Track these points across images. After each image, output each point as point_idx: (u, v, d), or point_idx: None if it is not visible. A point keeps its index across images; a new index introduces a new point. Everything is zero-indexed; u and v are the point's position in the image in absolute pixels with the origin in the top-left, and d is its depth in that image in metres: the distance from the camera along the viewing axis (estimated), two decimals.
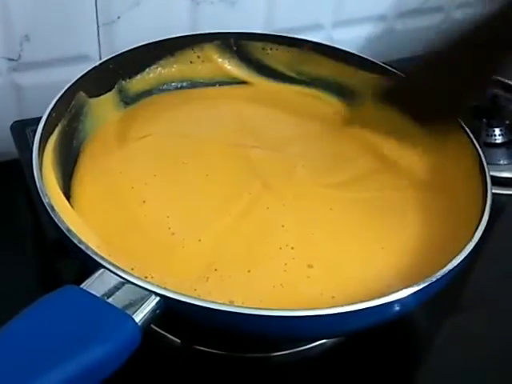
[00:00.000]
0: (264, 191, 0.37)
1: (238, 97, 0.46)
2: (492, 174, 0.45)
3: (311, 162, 0.40)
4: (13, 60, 0.47)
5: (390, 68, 0.45)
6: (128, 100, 0.44)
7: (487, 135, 0.49)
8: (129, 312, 0.26)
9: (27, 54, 0.47)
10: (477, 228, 0.32)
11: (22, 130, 0.46)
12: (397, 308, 0.30)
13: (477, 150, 0.38)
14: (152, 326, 0.33)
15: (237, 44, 0.46)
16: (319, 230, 0.35)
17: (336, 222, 0.36)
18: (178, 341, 0.36)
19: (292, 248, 0.34)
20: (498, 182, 0.46)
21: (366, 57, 0.46)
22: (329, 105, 0.46)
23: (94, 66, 0.41)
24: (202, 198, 0.36)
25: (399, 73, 0.44)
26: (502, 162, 0.48)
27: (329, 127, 0.43)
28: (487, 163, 0.46)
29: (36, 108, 0.43)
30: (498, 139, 0.49)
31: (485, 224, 0.33)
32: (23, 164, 0.43)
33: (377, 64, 0.45)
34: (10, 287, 0.38)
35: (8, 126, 0.46)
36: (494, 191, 0.44)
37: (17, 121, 0.47)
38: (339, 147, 0.42)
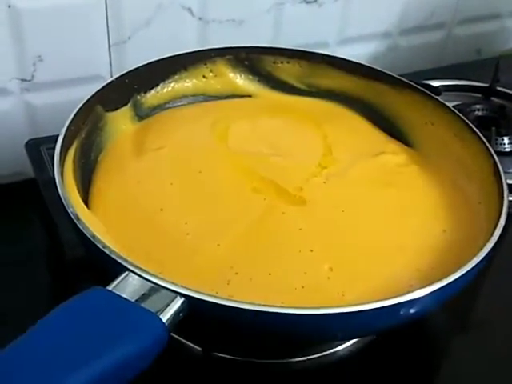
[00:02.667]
0: (279, 196, 0.38)
1: (250, 108, 0.47)
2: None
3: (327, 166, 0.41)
4: (26, 80, 0.48)
5: (400, 78, 0.46)
6: (143, 114, 0.45)
7: (496, 144, 0.50)
8: (156, 312, 0.27)
9: (40, 75, 0.48)
10: (494, 229, 0.33)
11: (37, 148, 0.47)
12: (417, 307, 0.30)
13: (493, 156, 0.39)
14: (173, 334, 0.35)
15: (248, 58, 0.48)
16: (337, 231, 0.36)
17: (353, 223, 0.37)
18: (200, 349, 0.36)
19: (311, 251, 0.34)
20: (508, 189, 0.47)
21: (375, 67, 0.47)
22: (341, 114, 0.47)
23: (110, 80, 0.42)
24: (219, 204, 0.37)
25: (408, 81, 0.45)
26: (511, 170, 0.49)
27: None
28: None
29: (49, 127, 0.44)
30: (508, 147, 0.50)
31: (502, 226, 0.33)
32: (39, 181, 0.44)
33: (387, 74, 0.47)
34: (25, 307, 0.38)
35: (21, 146, 0.47)
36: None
37: (31, 139, 0.47)
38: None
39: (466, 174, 0.40)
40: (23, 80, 0.48)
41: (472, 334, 0.40)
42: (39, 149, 0.46)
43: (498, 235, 0.33)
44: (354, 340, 0.38)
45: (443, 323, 0.40)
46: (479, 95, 0.57)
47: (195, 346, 0.36)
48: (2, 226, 0.45)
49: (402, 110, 0.45)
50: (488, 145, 0.39)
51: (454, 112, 0.42)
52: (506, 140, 0.50)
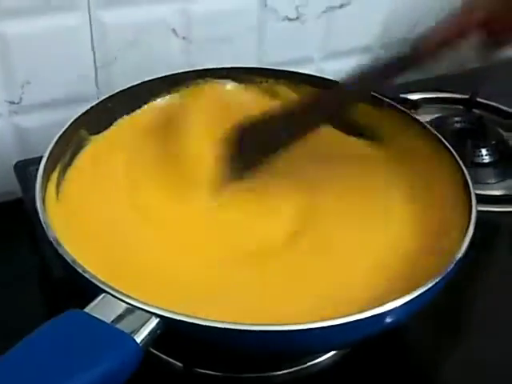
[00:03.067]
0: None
1: None
2: (482, 192, 0.48)
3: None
4: (14, 103, 0.49)
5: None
6: None
7: (474, 155, 0.50)
8: (130, 333, 0.28)
9: (28, 97, 0.49)
10: (464, 238, 0.34)
11: (25, 169, 0.48)
12: (389, 319, 0.31)
13: (462, 170, 0.39)
14: (154, 350, 0.36)
15: (229, 77, 0.49)
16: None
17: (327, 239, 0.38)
18: (180, 364, 0.37)
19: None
20: (488, 200, 0.48)
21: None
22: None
23: (92, 105, 0.43)
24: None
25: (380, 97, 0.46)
26: (490, 180, 0.50)
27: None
28: (476, 182, 0.48)
29: (38, 148, 0.45)
30: (486, 159, 0.51)
31: (469, 238, 0.34)
32: (26, 202, 0.45)
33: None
34: (16, 326, 0.39)
35: (11, 166, 0.48)
36: (485, 209, 0.47)
37: (20, 160, 0.49)
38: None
39: (436, 185, 0.41)
40: (11, 103, 0.49)
41: (456, 340, 0.41)
42: (27, 170, 0.47)
43: (466, 245, 0.34)
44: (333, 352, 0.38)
45: (426, 330, 0.41)
46: (460, 107, 0.58)
47: (176, 362, 0.37)
48: None
49: (375, 123, 0.46)
50: (458, 158, 0.40)
51: (425, 126, 0.43)
52: (483, 151, 0.51)
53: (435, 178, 0.41)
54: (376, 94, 0.46)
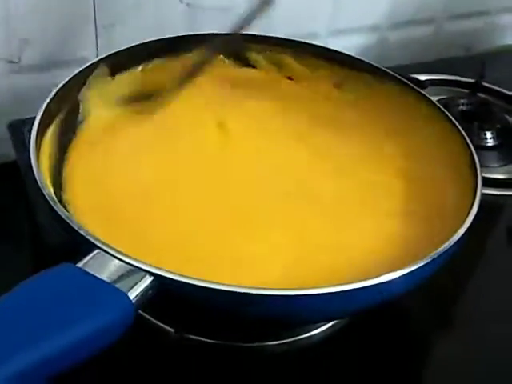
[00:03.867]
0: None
1: None
2: (484, 175, 0.47)
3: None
4: (13, 62, 0.48)
5: (383, 69, 0.46)
6: None
7: (479, 138, 0.50)
8: (123, 290, 0.27)
9: (27, 57, 0.48)
10: (465, 219, 0.33)
11: (20, 128, 0.47)
12: (386, 290, 0.30)
13: (470, 148, 0.39)
14: (145, 315, 0.35)
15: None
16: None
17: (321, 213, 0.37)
18: (172, 330, 0.36)
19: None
20: (491, 183, 0.47)
21: (356, 56, 0.48)
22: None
23: (90, 63, 0.43)
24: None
25: (392, 73, 0.45)
26: (493, 164, 0.50)
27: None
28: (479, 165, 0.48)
29: (36, 109, 0.44)
30: (490, 142, 0.50)
31: (472, 217, 0.34)
32: (20, 163, 0.44)
33: (370, 64, 0.47)
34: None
35: (5, 125, 0.47)
36: (487, 192, 0.46)
37: (15, 120, 0.47)
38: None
39: (442, 165, 0.41)
40: (11, 62, 0.48)
41: (453, 326, 0.40)
42: (22, 130, 0.46)
43: (469, 223, 0.33)
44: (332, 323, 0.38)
45: (423, 313, 0.40)
46: (465, 90, 0.57)
47: (168, 328, 0.36)
48: None
49: (382, 100, 0.45)
50: (466, 137, 0.39)
51: (434, 104, 0.43)
52: (488, 135, 0.50)
53: (439, 155, 0.40)
54: (387, 70, 0.45)
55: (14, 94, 0.49)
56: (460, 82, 0.57)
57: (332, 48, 0.50)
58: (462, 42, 0.68)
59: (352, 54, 0.49)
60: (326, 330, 0.37)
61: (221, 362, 0.35)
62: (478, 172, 0.37)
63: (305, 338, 0.37)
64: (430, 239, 0.34)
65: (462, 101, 0.52)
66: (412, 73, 0.54)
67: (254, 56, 0.49)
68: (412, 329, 0.40)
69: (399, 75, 0.45)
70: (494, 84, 0.57)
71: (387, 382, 0.36)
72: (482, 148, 0.49)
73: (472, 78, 0.58)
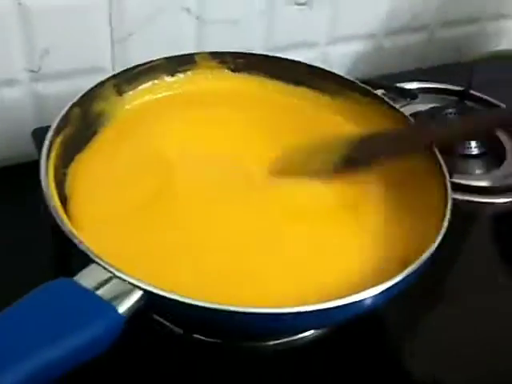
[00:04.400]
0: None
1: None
2: (469, 183, 0.46)
3: None
4: (33, 71, 0.48)
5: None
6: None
7: (464, 147, 0.48)
8: (114, 303, 0.27)
9: (47, 66, 0.48)
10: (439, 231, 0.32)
11: (43, 136, 0.46)
12: (367, 304, 0.30)
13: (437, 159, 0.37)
14: (156, 316, 0.35)
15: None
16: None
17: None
18: (181, 331, 0.36)
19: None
20: (476, 190, 0.46)
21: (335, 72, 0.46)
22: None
23: (107, 77, 0.42)
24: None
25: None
26: (478, 171, 0.48)
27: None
28: (464, 173, 0.46)
29: (55, 116, 0.43)
30: (474, 151, 0.49)
31: (444, 229, 0.33)
32: None
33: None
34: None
35: (30, 132, 0.47)
36: (472, 199, 0.45)
37: (38, 128, 0.47)
38: None
39: (409, 173, 0.39)
40: (31, 71, 0.48)
41: (443, 307, 0.40)
42: (45, 137, 0.46)
43: (441, 236, 0.32)
44: None
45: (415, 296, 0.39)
46: (455, 98, 0.55)
47: (177, 329, 0.36)
48: (12, 206, 0.45)
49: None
50: (435, 149, 0.37)
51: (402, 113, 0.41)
52: (472, 143, 0.48)
53: (412, 170, 0.39)
54: (366, 87, 0.43)
55: (35, 103, 0.49)
56: (449, 90, 0.55)
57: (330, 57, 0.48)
58: (454, 47, 0.66)
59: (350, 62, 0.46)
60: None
61: (225, 360, 0.35)
62: (448, 187, 0.35)
63: (301, 338, 0.36)
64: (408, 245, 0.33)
65: (449, 110, 0.50)
66: (404, 81, 0.52)
67: None
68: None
69: (385, 88, 0.43)
70: (483, 90, 0.55)
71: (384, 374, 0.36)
72: (467, 156, 0.47)
73: (462, 85, 0.56)
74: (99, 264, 0.28)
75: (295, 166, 0.39)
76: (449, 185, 0.35)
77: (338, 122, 0.44)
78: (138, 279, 0.27)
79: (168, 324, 0.36)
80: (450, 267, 0.43)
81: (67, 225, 0.30)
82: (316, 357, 0.36)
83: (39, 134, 0.46)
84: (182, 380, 0.34)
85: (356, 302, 0.29)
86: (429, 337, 0.38)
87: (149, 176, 0.38)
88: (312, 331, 0.36)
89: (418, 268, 0.30)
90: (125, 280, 0.27)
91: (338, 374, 0.35)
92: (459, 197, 0.43)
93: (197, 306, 0.27)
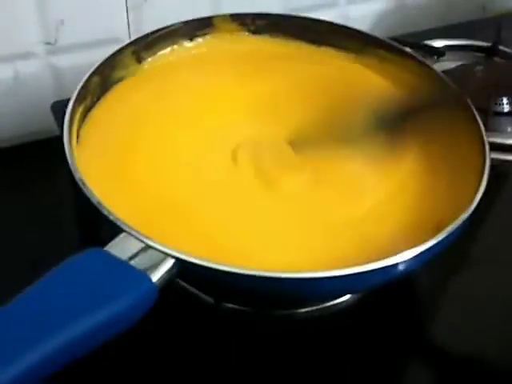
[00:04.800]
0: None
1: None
2: (500, 141, 0.44)
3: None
4: (50, 44, 0.47)
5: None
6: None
7: (495, 104, 0.46)
8: (146, 272, 0.26)
9: (63, 38, 0.47)
10: (477, 191, 0.31)
11: (62, 109, 0.45)
12: (400, 268, 0.29)
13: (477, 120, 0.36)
14: (185, 284, 0.34)
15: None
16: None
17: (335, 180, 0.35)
18: (211, 299, 0.35)
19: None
20: (506, 148, 0.44)
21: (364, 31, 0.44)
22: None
23: (122, 46, 0.40)
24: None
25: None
26: (509, 129, 0.46)
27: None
28: (496, 131, 0.45)
29: (74, 88, 0.43)
30: (506, 108, 0.47)
31: (483, 188, 0.32)
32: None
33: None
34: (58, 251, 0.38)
35: (48, 105, 0.46)
36: (502, 157, 0.43)
37: (57, 101, 0.46)
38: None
39: (446, 132, 0.38)
40: (47, 43, 0.47)
41: (472, 271, 0.39)
42: (64, 110, 0.45)
43: (478, 199, 0.31)
44: None
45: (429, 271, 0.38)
46: (482, 54, 0.53)
47: (207, 297, 0.35)
48: (32, 179, 0.45)
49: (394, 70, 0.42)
50: (472, 106, 0.36)
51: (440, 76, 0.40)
52: (504, 100, 0.46)
53: (449, 129, 0.37)
54: (396, 44, 0.41)
55: (53, 75, 0.48)
56: (477, 46, 0.53)
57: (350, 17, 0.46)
58: (479, 3, 0.63)
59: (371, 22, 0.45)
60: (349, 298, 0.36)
61: (255, 328, 0.35)
62: (486, 147, 0.34)
63: (333, 305, 0.36)
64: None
65: (479, 67, 0.48)
66: (429, 38, 0.51)
67: None
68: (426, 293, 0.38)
69: (413, 46, 0.41)
70: (511, 46, 0.53)
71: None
72: (498, 114, 0.46)
73: (489, 41, 0.53)
74: (130, 234, 0.28)
75: (321, 131, 0.38)
76: (487, 146, 0.34)
77: (366, 81, 0.42)
78: (171, 247, 0.27)
79: (198, 293, 0.35)
80: (483, 228, 0.42)
81: (95, 196, 0.30)
82: (347, 324, 0.35)
83: (58, 108, 0.46)
84: (214, 350, 0.34)
85: (391, 265, 0.28)
86: (460, 302, 0.37)
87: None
88: (343, 298, 0.36)
89: (456, 229, 0.29)
90: (157, 249, 0.27)
91: (366, 341, 0.35)
92: (492, 156, 0.42)
93: (232, 273, 0.26)
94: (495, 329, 0.36)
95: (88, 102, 0.38)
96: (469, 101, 0.37)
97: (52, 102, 0.46)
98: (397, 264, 0.28)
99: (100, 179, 0.33)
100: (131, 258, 0.27)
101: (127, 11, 0.48)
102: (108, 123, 0.38)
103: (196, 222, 0.32)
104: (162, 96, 0.40)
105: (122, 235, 0.28)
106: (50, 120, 0.46)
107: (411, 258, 0.28)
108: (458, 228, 0.30)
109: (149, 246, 0.27)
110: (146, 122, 0.38)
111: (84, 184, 0.31)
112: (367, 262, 0.27)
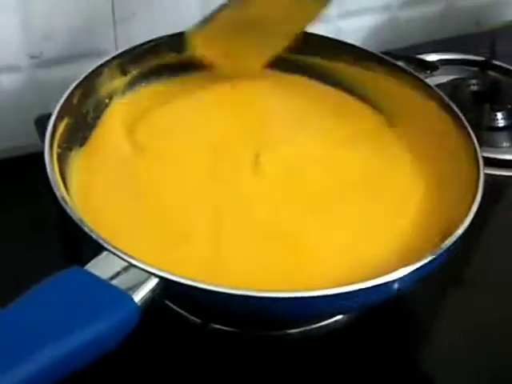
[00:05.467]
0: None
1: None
2: (495, 156, 0.44)
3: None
4: (35, 57, 0.46)
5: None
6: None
7: (490, 119, 0.46)
8: (128, 292, 0.25)
9: (48, 51, 0.46)
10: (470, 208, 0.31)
11: (46, 123, 0.45)
12: (395, 287, 0.28)
13: (470, 134, 0.36)
14: (172, 305, 0.33)
15: None
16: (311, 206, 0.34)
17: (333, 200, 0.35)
18: (198, 320, 0.34)
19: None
20: (501, 164, 0.44)
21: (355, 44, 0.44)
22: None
23: (108, 58, 0.40)
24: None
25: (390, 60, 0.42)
26: (504, 144, 0.46)
27: None
28: (490, 146, 0.44)
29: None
30: (501, 123, 0.47)
31: (477, 206, 0.31)
32: None
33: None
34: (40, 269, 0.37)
35: (32, 119, 0.45)
36: (497, 173, 0.43)
37: (41, 115, 0.46)
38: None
39: (440, 148, 0.37)
40: (33, 57, 0.46)
41: (465, 290, 0.38)
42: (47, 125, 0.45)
43: (470, 218, 0.31)
44: None
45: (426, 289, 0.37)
46: (476, 69, 0.53)
47: (194, 318, 0.34)
48: (15, 195, 0.44)
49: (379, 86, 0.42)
50: (464, 121, 0.36)
51: (432, 88, 0.40)
52: (499, 115, 0.46)
53: (443, 144, 0.37)
54: (386, 57, 0.41)
55: (38, 88, 0.48)
56: (471, 60, 0.53)
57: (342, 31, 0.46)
58: (472, 17, 0.63)
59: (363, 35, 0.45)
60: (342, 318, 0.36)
61: (244, 349, 0.34)
62: (480, 163, 0.33)
63: (322, 326, 0.35)
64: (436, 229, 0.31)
65: (472, 81, 0.48)
66: (423, 52, 0.50)
67: None
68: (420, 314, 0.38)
69: (405, 60, 0.41)
70: (505, 60, 0.53)
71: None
72: (492, 129, 0.45)
73: (483, 55, 0.54)
74: (112, 252, 0.27)
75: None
76: (481, 162, 0.33)
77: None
78: (154, 266, 0.26)
79: (184, 313, 0.34)
80: (477, 244, 0.41)
81: (76, 213, 0.29)
82: (341, 344, 0.35)
83: (42, 122, 0.45)
84: (200, 371, 0.33)
85: (385, 283, 0.27)
86: (456, 322, 0.36)
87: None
88: (333, 318, 0.35)
89: (449, 247, 0.29)
90: (140, 267, 0.26)
91: (360, 362, 0.34)
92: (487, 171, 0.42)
93: (216, 292, 0.25)
94: (491, 348, 0.35)
95: (72, 115, 0.37)
96: (462, 115, 0.37)
97: (36, 115, 0.46)
98: (391, 282, 0.27)
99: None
100: (113, 277, 0.26)
101: (114, 24, 0.48)
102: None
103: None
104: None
105: (104, 253, 0.27)
106: (34, 134, 0.45)
107: (405, 276, 0.28)
108: (451, 245, 0.29)
109: (131, 265, 0.26)
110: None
111: (65, 201, 0.30)
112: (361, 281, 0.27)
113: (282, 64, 0.44)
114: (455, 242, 0.29)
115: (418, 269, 0.28)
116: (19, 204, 0.43)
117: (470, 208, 0.31)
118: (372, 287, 0.27)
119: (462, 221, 0.30)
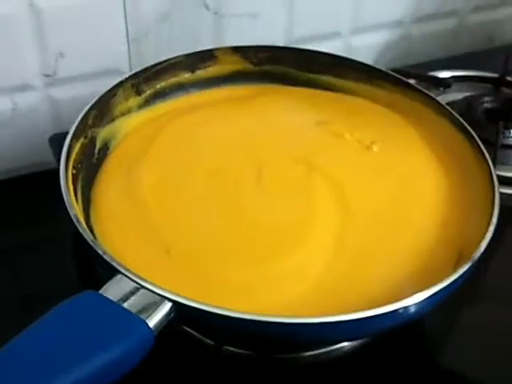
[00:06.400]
0: None
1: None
2: (509, 175, 0.43)
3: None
4: (49, 76, 0.47)
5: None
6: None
7: (504, 137, 0.46)
8: (143, 316, 0.26)
9: (62, 70, 0.47)
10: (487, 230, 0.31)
11: (60, 141, 0.45)
12: (410, 312, 0.28)
13: (488, 164, 0.35)
14: (186, 328, 0.33)
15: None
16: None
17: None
18: (211, 342, 0.34)
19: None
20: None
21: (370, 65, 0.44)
22: None
23: (124, 77, 0.41)
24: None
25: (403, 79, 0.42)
26: None
27: None
28: (504, 164, 0.44)
29: (73, 121, 0.43)
30: None
31: (493, 228, 0.31)
32: None
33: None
34: (51, 293, 0.37)
35: (47, 138, 0.46)
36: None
37: (56, 134, 0.46)
38: None
39: (454, 167, 0.37)
40: (46, 75, 0.47)
41: (481, 305, 0.38)
42: (62, 143, 0.45)
43: (486, 243, 0.30)
44: None
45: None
46: (489, 85, 0.53)
47: (207, 340, 0.34)
48: (29, 213, 0.44)
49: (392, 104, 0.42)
50: (478, 139, 0.36)
51: (444, 107, 0.39)
52: None
53: (457, 163, 0.37)
54: (398, 76, 0.41)
55: (52, 107, 0.48)
56: (484, 77, 0.53)
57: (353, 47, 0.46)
58: (486, 34, 0.63)
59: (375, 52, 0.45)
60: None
61: (257, 372, 0.34)
62: (495, 183, 0.33)
63: (336, 349, 0.35)
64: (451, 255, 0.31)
65: (486, 98, 0.48)
66: (435, 69, 0.51)
67: None
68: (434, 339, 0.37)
69: (418, 78, 0.41)
70: None
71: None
72: (506, 147, 0.45)
73: (496, 72, 0.53)
74: (125, 275, 0.27)
75: None
76: (496, 181, 0.33)
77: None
78: (169, 291, 0.26)
79: (198, 335, 0.34)
80: (491, 265, 0.41)
81: (89, 234, 0.29)
82: (353, 368, 0.34)
83: (57, 141, 0.46)
84: None
85: (400, 308, 0.27)
86: (471, 344, 0.36)
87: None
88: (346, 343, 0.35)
89: (465, 271, 0.29)
90: (153, 291, 0.26)
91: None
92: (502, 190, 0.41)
93: (232, 317, 0.25)
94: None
95: (87, 135, 0.37)
96: (475, 134, 0.37)
97: (51, 134, 0.46)
98: (407, 307, 0.27)
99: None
100: (127, 300, 0.26)
101: (128, 43, 0.48)
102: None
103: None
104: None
105: (118, 277, 0.27)
106: (48, 152, 0.46)
107: (422, 301, 0.28)
108: (469, 267, 0.29)
109: (145, 288, 0.26)
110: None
111: (79, 221, 0.30)
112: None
113: (293, 81, 0.45)
114: (472, 266, 0.29)
115: (435, 293, 0.28)
116: (34, 223, 0.43)
117: (486, 230, 0.31)
118: (389, 312, 0.27)
119: (478, 243, 0.30)
